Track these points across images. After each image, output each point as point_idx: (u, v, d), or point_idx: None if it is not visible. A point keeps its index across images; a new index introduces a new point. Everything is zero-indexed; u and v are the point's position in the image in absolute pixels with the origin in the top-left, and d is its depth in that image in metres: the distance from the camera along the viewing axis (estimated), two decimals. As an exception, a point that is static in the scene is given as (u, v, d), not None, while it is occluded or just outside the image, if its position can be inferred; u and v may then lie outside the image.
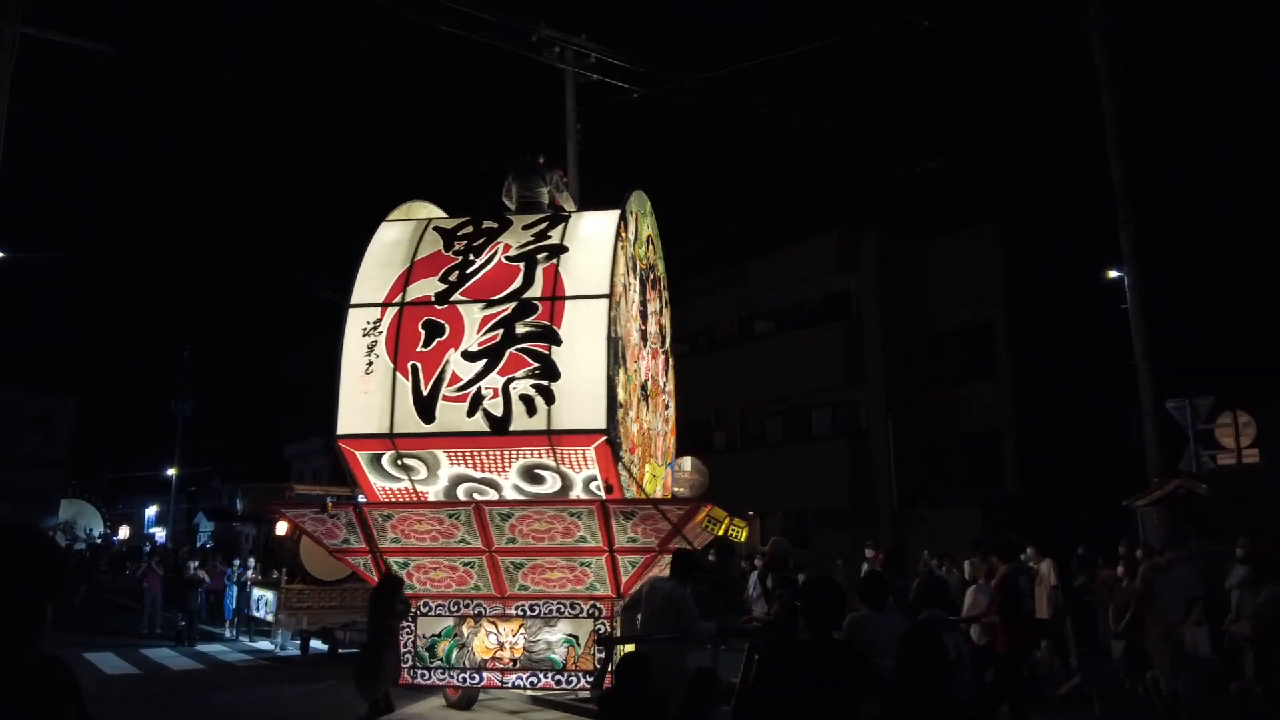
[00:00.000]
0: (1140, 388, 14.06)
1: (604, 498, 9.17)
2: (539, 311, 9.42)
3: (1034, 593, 8.88)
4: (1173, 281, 22.70)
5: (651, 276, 11.55)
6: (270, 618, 16.56)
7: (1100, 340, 23.04)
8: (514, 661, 9.76)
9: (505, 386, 9.21)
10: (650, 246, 11.58)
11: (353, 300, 9.87)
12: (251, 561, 18.61)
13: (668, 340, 12.42)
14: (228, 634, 19.13)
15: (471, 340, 9.43)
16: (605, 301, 9.34)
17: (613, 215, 10.17)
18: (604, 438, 8.97)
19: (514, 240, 10.09)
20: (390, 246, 10.28)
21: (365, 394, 9.45)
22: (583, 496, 9.38)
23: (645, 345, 11.06)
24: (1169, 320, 18.62)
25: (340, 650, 15.18)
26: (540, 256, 9.82)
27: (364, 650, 9.23)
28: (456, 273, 9.84)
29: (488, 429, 9.17)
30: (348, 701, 11.35)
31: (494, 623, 9.81)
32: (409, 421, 9.30)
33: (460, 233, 10.26)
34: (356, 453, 9.62)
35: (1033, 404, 22.97)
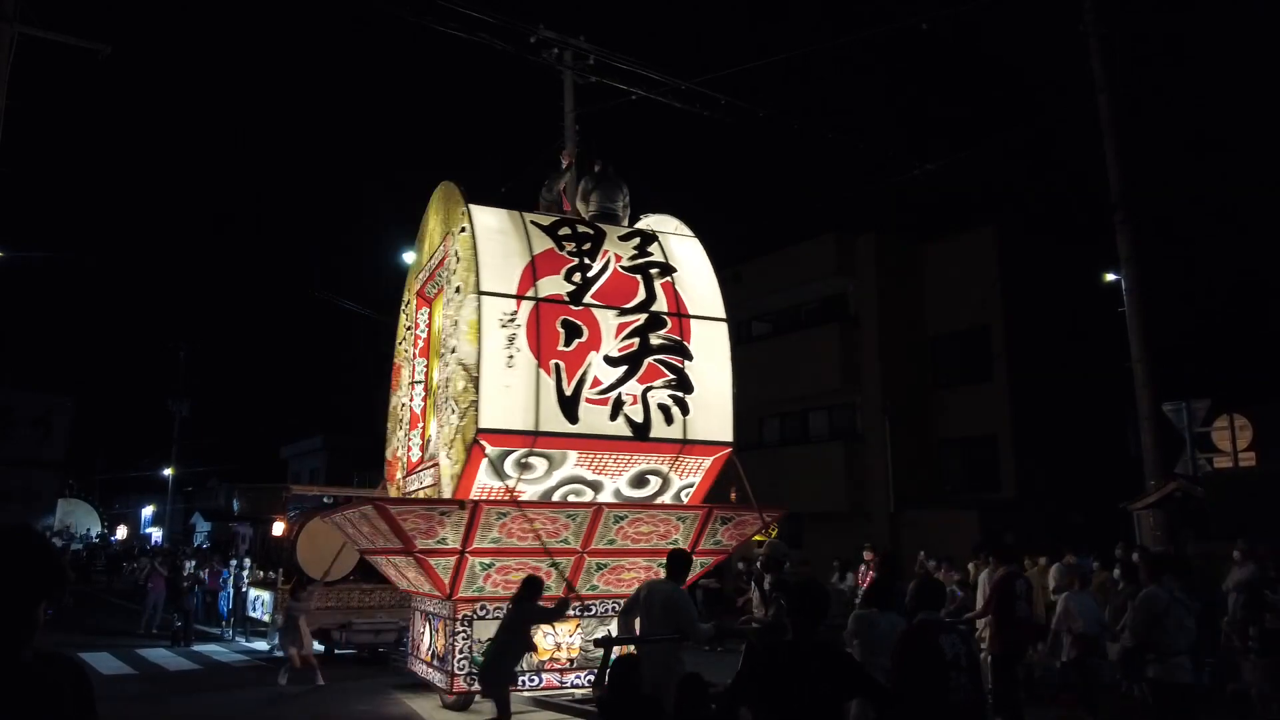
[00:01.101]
0: (1137, 391, 14.09)
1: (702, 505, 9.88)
2: (669, 326, 9.95)
3: (1030, 596, 8.90)
4: (1170, 285, 22.72)
5: None
6: (267, 618, 16.54)
7: (1097, 343, 23.09)
8: (570, 661, 9.79)
9: (644, 394, 9.67)
10: None
11: (484, 288, 9.50)
12: (248, 562, 18.59)
13: None
14: (224, 634, 19.11)
15: (610, 345, 9.68)
16: (725, 325, 10.52)
17: (695, 242, 11.14)
18: (730, 449, 10.00)
19: (620, 251, 10.39)
20: (501, 236, 10.02)
21: (507, 388, 9.31)
22: (669, 502, 9.89)
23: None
24: (1166, 323, 18.65)
25: (337, 651, 15.16)
26: (653, 272, 10.27)
27: (492, 649, 8.77)
28: (579, 274, 9.95)
29: (630, 434, 9.55)
30: (344, 702, 11.38)
31: (552, 624, 9.76)
32: (553, 420, 9.35)
33: (561, 233, 10.30)
34: (488, 447, 9.31)
35: (1029, 407, 23.00)
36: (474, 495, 9.44)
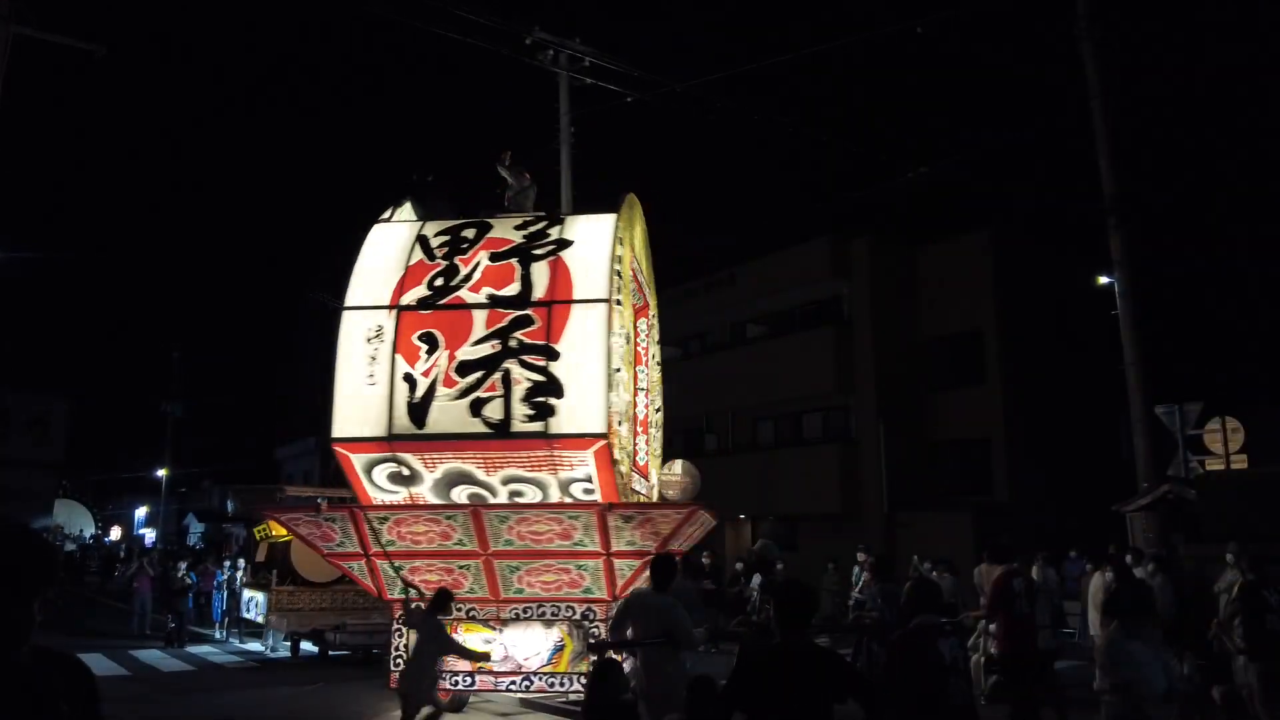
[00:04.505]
0: (1130, 394, 14.15)
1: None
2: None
3: (1031, 594, 8.91)
4: (1163, 288, 22.82)
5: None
6: (261, 619, 16.53)
7: (1090, 346, 23.17)
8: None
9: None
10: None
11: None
12: (242, 563, 18.59)
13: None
14: (218, 635, 19.09)
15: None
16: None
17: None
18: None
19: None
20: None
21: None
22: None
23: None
24: (1158, 327, 18.72)
25: (331, 652, 15.16)
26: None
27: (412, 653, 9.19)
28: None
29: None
30: (338, 703, 11.38)
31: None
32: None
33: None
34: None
35: (1022, 409, 23.06)
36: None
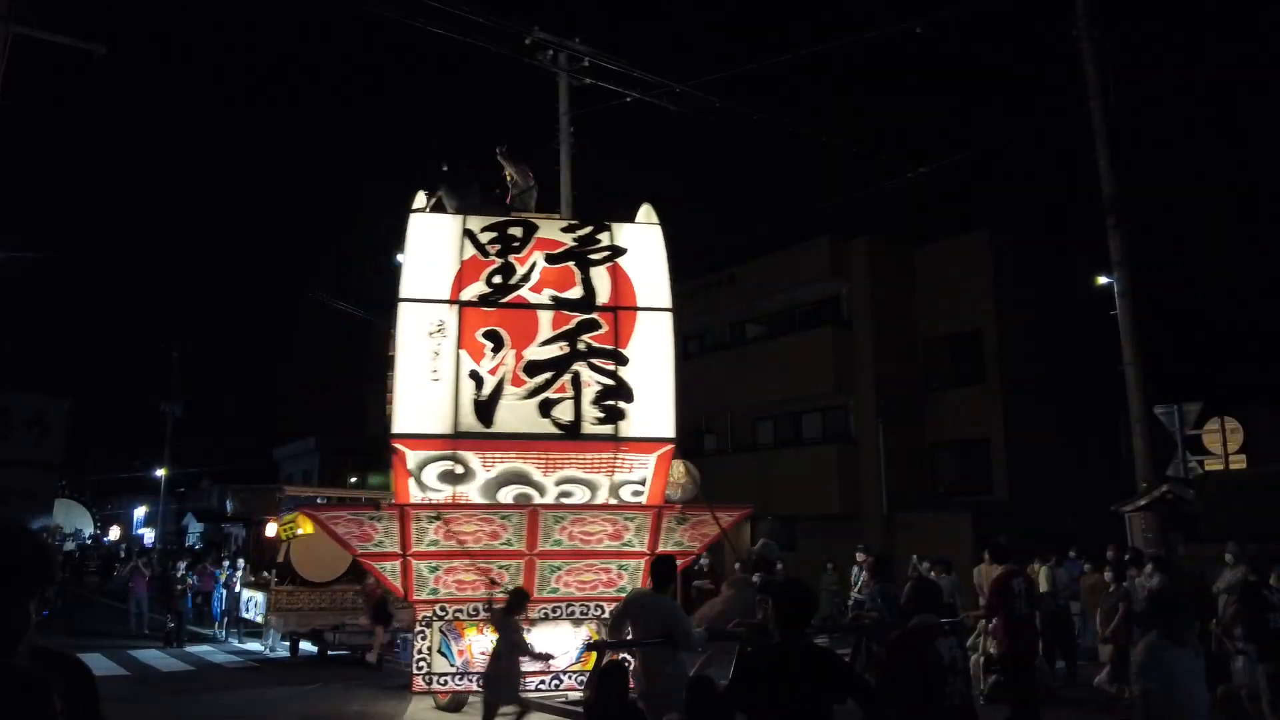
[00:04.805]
0: (1129, 393, 14.15)
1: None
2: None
3: (1031, 594, 8.93)
4: (1162, 288, 22.80)
5: None
6: (260, 619, 16.54)
7: (1089, 346, 23.16)
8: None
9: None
10: None
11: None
12: (241, 563, 18.59)
13: None
14: (217, 635, 19.09)
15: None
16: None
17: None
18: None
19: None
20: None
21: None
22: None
23: None
24: (1158, 327, 18.71)
25: (330, 652, 15.17)
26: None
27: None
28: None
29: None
30: (337, 703, 11.37)
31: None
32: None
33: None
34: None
35: (1022, 409, 23.06)
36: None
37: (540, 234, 10.16)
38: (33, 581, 2.13)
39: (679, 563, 9.39)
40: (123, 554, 38.44)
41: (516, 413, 9.29)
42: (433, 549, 9.30)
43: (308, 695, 11.89)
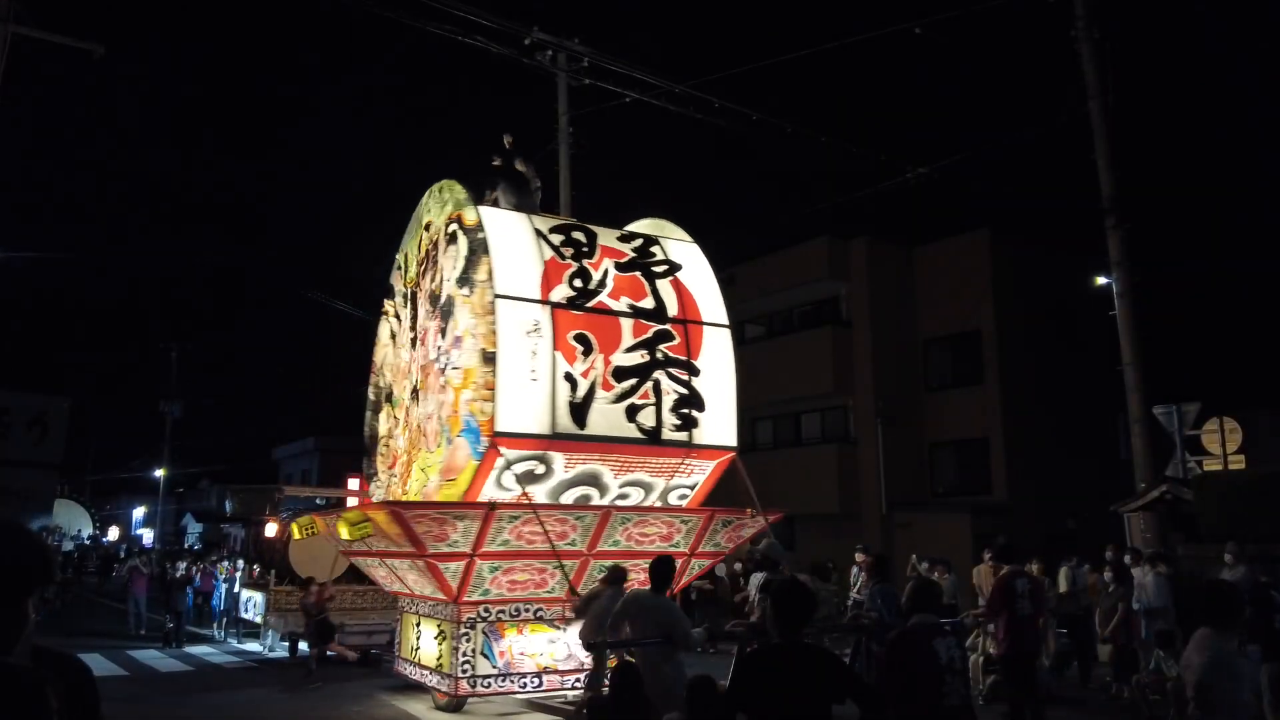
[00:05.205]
0: (1128, 394, 14.16)
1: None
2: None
3: (1036, 595, 8.92)
4: (1161, 288, 22.84)
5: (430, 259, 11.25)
6: (259, 619, 16.53)
7: (1088, 346, 23.18)
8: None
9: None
10: (426, 231, 11.40)
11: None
12: (240, 563, 18.58)
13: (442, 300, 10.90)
14: (216, 635, 19.07)
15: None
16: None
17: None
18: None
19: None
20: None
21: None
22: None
23: (413, 349, 11.30)
24: (1157, 327, 18.73)
25: (329, 652, 15.15)
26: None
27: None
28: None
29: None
30: (336, 703, 11.36)
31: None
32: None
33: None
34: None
35: (1020, 410, 23.08)
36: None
37: (601, 241, 10.41)
38: (31, 581, 2.12)
39: (709, 562, 10.18)
40: (123, 554, 38.43)
41: (606, 416, 9.54)
42: (502, 549, 9.30)
43: (306, 695, 11.88)
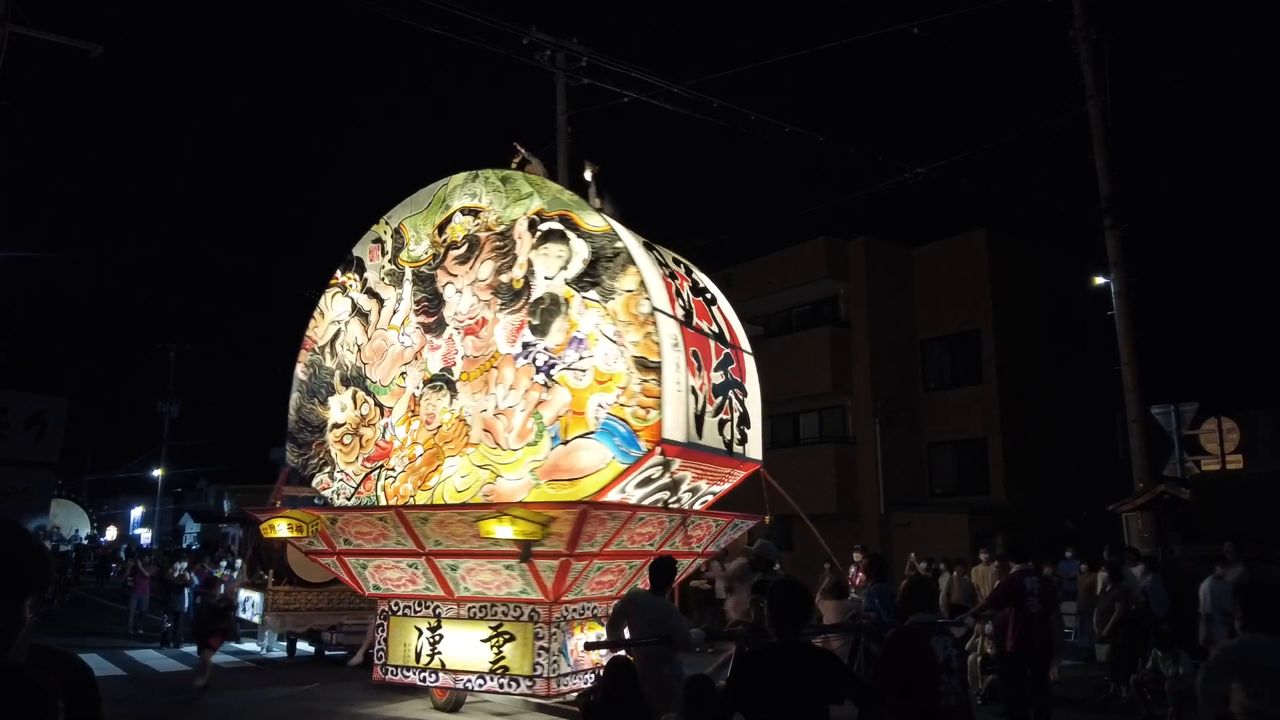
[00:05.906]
0: (1126, 394, 14.18)
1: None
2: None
3: (1045, 594, 8.93)
4: (1159, 289, 22.86)
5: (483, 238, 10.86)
6: (257, 620, 16.52)
7: (1086, 346, 23.22)
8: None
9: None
10: (467, 216, 11.13)
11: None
12: (239, 563, 18.55)
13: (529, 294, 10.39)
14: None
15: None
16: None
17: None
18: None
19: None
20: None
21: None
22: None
23: (425, 334, 11.02)
24: (1155, 327, 18.75)
25: (327, 652, 15.14)
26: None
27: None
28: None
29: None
30: (334, 703, 11.36)
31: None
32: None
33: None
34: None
35: (1019, 410, 23.10)
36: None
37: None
38: (29, 581, 2.10)
39: (701, 562, 10.69)
40: (123, 555, 38.40)
41: (710, 429, 10.02)
42: (617, 549, 9.67)
43: (304, 695, 11.87)
